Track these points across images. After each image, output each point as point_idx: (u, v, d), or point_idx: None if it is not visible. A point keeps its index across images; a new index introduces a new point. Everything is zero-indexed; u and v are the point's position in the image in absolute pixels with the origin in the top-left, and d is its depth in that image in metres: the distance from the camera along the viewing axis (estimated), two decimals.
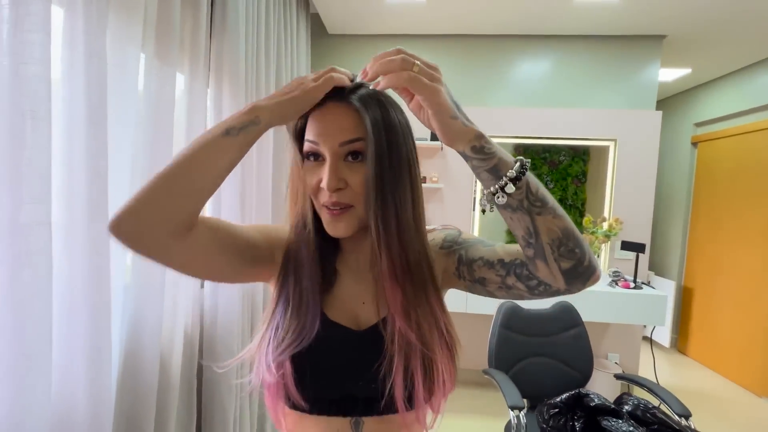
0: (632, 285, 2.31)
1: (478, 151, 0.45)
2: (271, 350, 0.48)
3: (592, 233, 2.52)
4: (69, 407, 0.84)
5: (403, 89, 0.46)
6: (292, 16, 2.16)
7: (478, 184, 2.46)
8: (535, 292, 0.48)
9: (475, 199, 2.69)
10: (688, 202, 3.47)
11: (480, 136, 0.45)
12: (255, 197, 1.70)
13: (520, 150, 2.89)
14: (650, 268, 3.42)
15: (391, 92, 0.49)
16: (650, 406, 1.15)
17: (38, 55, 0.72)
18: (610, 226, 2.49)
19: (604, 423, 1.13)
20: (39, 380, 0.74)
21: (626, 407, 1.18)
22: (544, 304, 1.71)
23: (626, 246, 2.42)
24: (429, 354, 0.48)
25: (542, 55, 2.66)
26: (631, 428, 1.10)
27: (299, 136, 0.51)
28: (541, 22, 2.48)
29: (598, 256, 2.68)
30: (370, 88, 0.48)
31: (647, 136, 2.56)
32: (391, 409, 0.48)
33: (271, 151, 1.84)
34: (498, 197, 0.43)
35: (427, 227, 0.55)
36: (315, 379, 0.49)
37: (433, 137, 2.59)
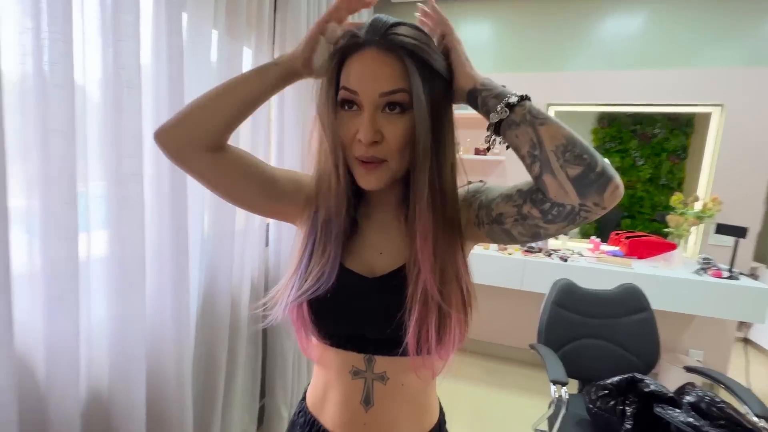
0: (726, 275, 2.01)
1: (487, 85, 0.48)
2: (293, 293, 0.52)
3: (681, 214, 2.22)
4: (160, 326, 1.04)
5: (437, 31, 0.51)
6: None
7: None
8: (548, 217, 0.44)
9: None
10: None
11: (487, 78, 0.49)
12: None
13: (605, 122, 2.59)
14: (759, 259, 2.91)
15: None
16: (718, 400, 1.04)
17: (131, 32, 0.86)
18: (705, 206, 2.17)
19: (657, 410, 1.05)
20: (137, 301, 0.93)
21: (688, 398, 1.08)
22: (606, 283, 1.59)
23: (722, 229, 2.09)
24: (446, 309, 0.49)
25: (631, 10, 2.32)
26: (690, 419, 1.01)
27: (335, 83, 0.48)
28: None
29: (685, 241, 2.36)
30: (412, 27, 0.47)
31: (764, 99, 2.13)
32: (401, 352, 0.49)
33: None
34: (502, 113, 0.45)
35: None
36: (331, 321, 0.53)
37: None
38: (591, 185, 0.40)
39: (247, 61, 1.36)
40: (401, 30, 0.45)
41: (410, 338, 0.48)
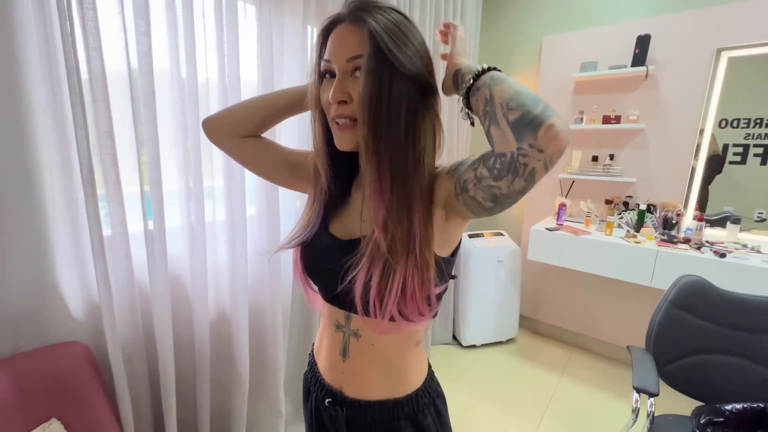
0: None
1: (469, 66, 0.51)
2: (284, 240, 0.63)
3: None
4: (258, 269, 1.39)
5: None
6: None
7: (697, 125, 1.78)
8: (494, 173, 0.43)
9: (699, 146, 1.96)
10: None
11: (473, 63, 0.52)
12: None
13: None
14: None
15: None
16: None
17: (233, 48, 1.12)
18: None
19: None
20: (240, 251, 1.25)
21: None
22: (761, 289, 1.19)
23: None
24: (392, 263, 0.50)
25: None
26: None
27: (319, 58, 0.55)
28: None
29: None
30: (386, 9, 0.51)
31: None
32: (354, 309, 0.53)
33: None
34: (469, 81, 0.48)
35: None
36: (311, 276, 0.62)
37: (635, 62, 2.01)
38: (527, 126, 0.39)
39: None
40: (371, 9, 0.50)
41: (357, 285, 0.51)
